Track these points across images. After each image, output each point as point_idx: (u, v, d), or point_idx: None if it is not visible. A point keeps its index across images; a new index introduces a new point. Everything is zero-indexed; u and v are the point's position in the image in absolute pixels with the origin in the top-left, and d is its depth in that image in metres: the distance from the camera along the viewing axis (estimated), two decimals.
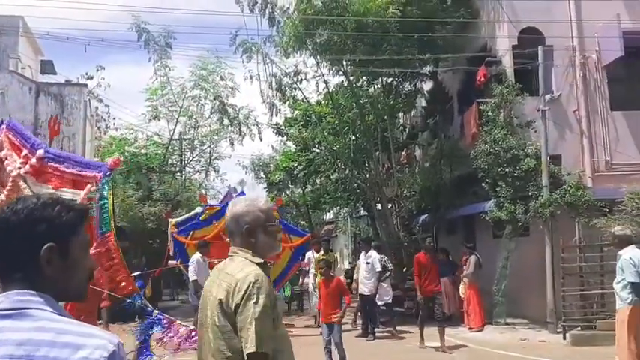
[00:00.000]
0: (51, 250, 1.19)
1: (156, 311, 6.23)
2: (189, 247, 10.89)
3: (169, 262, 11.33)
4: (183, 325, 5.89)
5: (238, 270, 2.00)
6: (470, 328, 10.46)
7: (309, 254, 12.22)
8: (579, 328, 9.04)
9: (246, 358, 1.86)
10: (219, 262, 10.01)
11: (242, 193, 11.66)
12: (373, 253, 10.38)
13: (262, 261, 2.08)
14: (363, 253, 10.78)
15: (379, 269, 10.19)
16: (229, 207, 2.22)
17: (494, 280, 10.98)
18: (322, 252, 11.77)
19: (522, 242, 11.03)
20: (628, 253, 6.49)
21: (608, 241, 8.01)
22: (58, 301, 1.22)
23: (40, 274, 1.18)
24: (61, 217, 1.22)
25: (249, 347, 1.85)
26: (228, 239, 10.33)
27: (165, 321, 5.70)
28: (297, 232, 12.06)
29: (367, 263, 10.25)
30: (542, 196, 10.27)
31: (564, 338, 8.95)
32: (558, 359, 7.65)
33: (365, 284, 10.20)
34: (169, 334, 5.65)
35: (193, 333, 5.65)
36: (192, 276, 9.48)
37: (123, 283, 5.28)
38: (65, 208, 1.24)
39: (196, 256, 9.58)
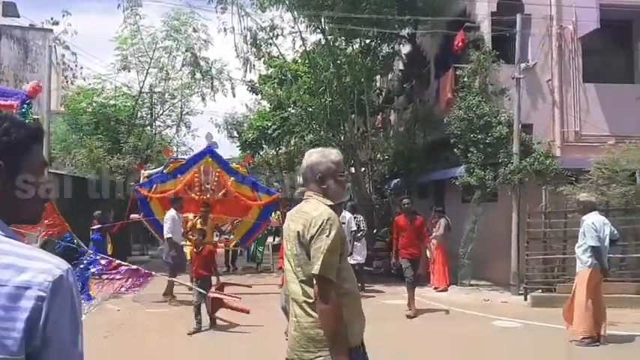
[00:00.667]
0: None
1: (90, 251, 6.10)
2: (152, 200, 10.69)
3: (131, 215, 11.02)
4: (124, 265, 5.81)
5: (314, 209, 2.36)
6: (435, 288, 10.76)
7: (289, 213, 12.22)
8: (540, 291, 9.41)
9: (314, 279, 2.26)
10: (188, 216, 9.84)
11: (209, 147, 11.30)
12: (346, 214, 10.00)
13: (332, 204, 2.43)
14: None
15: (354, 228, 9.87)
16: (305, 157, 2.54)
17: (461, 243, 11.26)
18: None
19: (490, 207, 11.28)
20: (591, 219, 6.71)
21: (573, 208, 8.28)
22: (10, 224, 1.14)
23: None
24: (9, 134, 1.15)
25: (316, 269, 2.23)
26: (193, 194, 10.02)
27: (103, 261, 5.60)
28: (266, 190, 11.90)
29: (342, 224, 10.11)
30: (512, 163, 10.47)
31: (525, 300, 9.31)
32: (518, 318, 7.95)
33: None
34: (109, 275, 5.56)
35: (137, 277, 5.59)
36: (167, 233, 9.20)
37: (48, 222, 5.19)
38: (15, 124, 1.17)
39: (171, 212, 9.35)
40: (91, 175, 14.08)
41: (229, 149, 25.07)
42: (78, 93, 16.60)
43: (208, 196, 10.77)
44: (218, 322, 7.27)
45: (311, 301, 2.29)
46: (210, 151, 11.08)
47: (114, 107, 15.73)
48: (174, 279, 8.75)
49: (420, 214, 12.27)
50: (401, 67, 16.40)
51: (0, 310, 0.99)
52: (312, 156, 2.50)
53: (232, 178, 10.83)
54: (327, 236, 2.25)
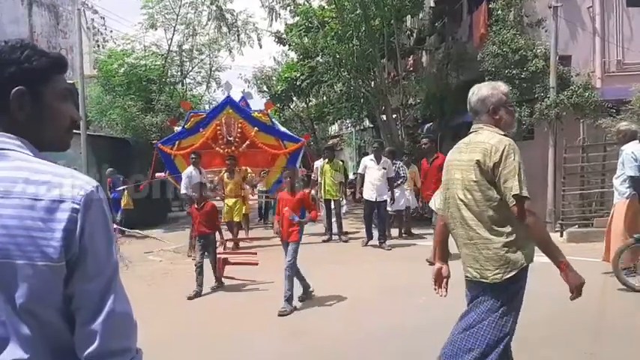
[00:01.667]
0: (20, 95, 1.16)
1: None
2: (176, 157, 10.45)
3: (157, 174, 10.85)
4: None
5: (490, 138, 2.53)
6: None
7: (317, 163, 11.50)
8: (577, 227, 9.20)
9: (512, 199, 2.41)
10: (214, 172, 9.70)
11: (229, 98, 10.83)
12: (387, 161, 9.61)
13: (504, 133, 2.58)
14: (372, 159, 9.51)
15: (392, 175, 9.55)
16: (475, 91, 2.70)
17: None
18: (327, 160, 10.77)
19: (526, 145, 10.91)
20: (630, 148, 6.42)
21: (612, 140, 7.92)
22: (39, 151, 1.20)
23: (12, 119, 1.16)
24: (30, 61, 1.18)
25: (515, 190, 2.40)
26: (217, 148, 10.08)
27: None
28: (291, 137, 11.15)
29: (384, 169, 9.34)
30: (549, 97, 10.05)
31: (561, 236, 9.14)
32: None
33: (378, 190, 9.28)
34: None
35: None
36: (183, 189, 9.22)
37: None
38: (37, 53, 1.20)
39: (189, 169, 9.29)
40: (128, 135, 14.43)
41: (260, 104, 25.11)
42: (109, 56, 16.79)
43: (233, 148, 10.34)
44: (226, 281, 6.76)
45: (496, 223, 2.49)
46: (230, 102, 10.60)
47: (144, 67, 15.85)
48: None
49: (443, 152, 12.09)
50: (432, 4, 15.72)
51: (39, 221, 1.06)
52: (482, 89, 2.68)
53: (255, 128, 10.40)
54: (514, 159, 2.44)
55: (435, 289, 2.99)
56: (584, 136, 9.54)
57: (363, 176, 9.51)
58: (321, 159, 11.31)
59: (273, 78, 23.34)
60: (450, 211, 2.70)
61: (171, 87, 16.97)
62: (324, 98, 19.67)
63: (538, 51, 10.45)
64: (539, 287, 5.33)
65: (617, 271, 5.95)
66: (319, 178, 10.69)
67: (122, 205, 11.61)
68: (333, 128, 31.38)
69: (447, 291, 2.97)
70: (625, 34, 10.90)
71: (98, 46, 23.55)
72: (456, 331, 2.72)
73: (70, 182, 1.11)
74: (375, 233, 9.35)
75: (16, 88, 1.15)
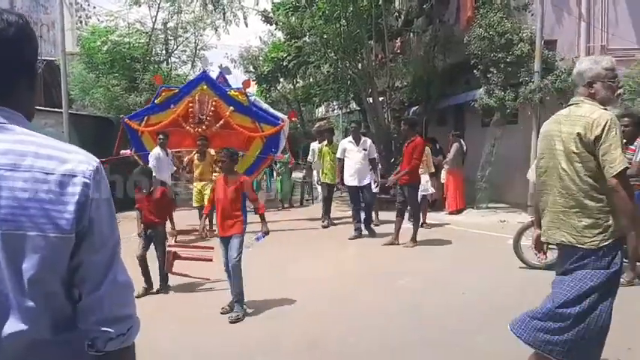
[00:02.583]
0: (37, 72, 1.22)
1: None
2: (143, 134, 9.71)
3: (122, 151, 9.93)
4: None
5: (591, 112, 2.62)
6: (450, 212, 10.81)
7: (313, 145, 11.11)
8: None
9: (611, 171, 2.53)
10: (181, 152, 9.02)
11: (204, 73, 10.16)
12: (367, 140, 9.07)
13: (604, 108, 2.66)
14: (351, 140, 8.98)
15: (374, 156, 9.11)
16: (577, 64, 2.81)
17: (480, 167, 11.16)
18: (326, 143, 10.33)
19: (510, 130, 11.05)
20: None
21: None
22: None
23: (18, 93, 1.18)
24: (34, 37, 1.20)
25: (616, 167, 2.53)
26: (187, 127, 9.21)
27: None
28: (268, 119, 10.03)
29: (364, 150, 8.80)
30: (533, 82, 10.11)
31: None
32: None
33: (361, 173, 8.79)
34: None
35: None
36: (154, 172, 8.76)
37: None
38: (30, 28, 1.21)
39: (156, 150, 8.70)
40: (111, 115, 14.20)
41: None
42: (92, 32, 16.41)
43: (205, 128, 9.55)
44: (177, 279, 5.93)
45: (596, 192, 2.62)
46: (205, 78, 9.91)
47: (128, 45, 15.52)
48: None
49: (437, 139, 12.15)
50: None
51: (51, 194, 1.10)
52: (583, 63, 2.79)
53: (231, 108, 9.57)
54: (615, 135, 2.54)
55: (536, 254, 3.32)
56: None
57: (343, 161, 8.89)
58: (316, 141, 11.14)
59: (260, 58, 23.05)
60: (547, 180, 2.82)
61: (156, 65, 16.67)
62: (311, 80, 19.50)
63: (524, 35, 10.48)
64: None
65: (516, 250, 6.22)
66: (317, 160, 10.33)
67: None
68: (320, 110, 31.22)
69: (546, 255, 3.37)
70: (610, 20, 10.97)
71: (81, 22, 23.03)
72: (556, 295, 2.77)
73: (75, 157, 1.15)
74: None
75: (40, 64, 1.21)
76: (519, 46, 10.35)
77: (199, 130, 9.50)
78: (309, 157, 11.09)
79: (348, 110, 24.45)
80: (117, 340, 1.18)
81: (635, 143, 5.45)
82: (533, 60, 10.19)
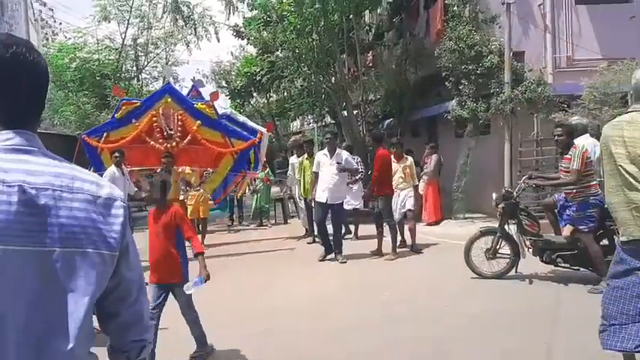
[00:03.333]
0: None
1: None
2: (102, 152, 9.01)
3: None
4: None
5: None
6: (428, 224, 10.88)
7: (292, 159, 10.71)
8: None
9: None
10: (145, 170, 8.64)
11: (168, 85, 9.78)
12: (343, 153, 8.39)
13: None
14: (325, 153, 8.26)
15: (355, 166, 8.75)
16: (634, 74, 2.94)
17: (455, 177, 11.28)
18: (306, 156, 9.69)
19: (483, 140, 11.23)
20: (582, 142, 6.67)
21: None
22: None
23: (36, 117, 1.25)
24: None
25: None
26: (152, 142, 8.47)
27: None
28: (239, 134, 9.46)
29: (338, 163, 8.03)
30: (504, 92, 10.32)
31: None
32: None
33: (334, 190, 8.02)
34: None
35: None
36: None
37: None
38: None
39: (111, 169, 7.95)
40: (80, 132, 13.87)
41: (219, 99, 24.69)
42: (60, 49, 16.11)
43: (174, 144, 8.95)
44: None
45: None
46: (169, 90, 9.30)
47: (97, 62, 15.31)
48: None
49: (412, 151, 12.21)
50: None
51: (100, 215, 1.19)
52: (638, 73, 2.95)
53: (198, 122, 8.95)
54: None
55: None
56: (538, 130, 9.84)
57: (317, 175, 8.22)
58: (294, 155, 10.77)
59: (232, 73, 22.99)
60: (613, 180, 2.96)
61: (127, 82, 16.46)
62: (285, 94, 19.53)
63: (493, 47, 10.72)
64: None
65: (467, 259, 6.34)
66: (297, 175, 9.88)
67: None
68: (295, 124, 31.26)
69: None
70: (574, 31, 11.30)
71: (47, 39, 22.60)
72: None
73: (105, 183, 1.26)
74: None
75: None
76: (489, 57, 10.58)
77: (167, 145, 8.96)
78: (289, 172, 10.73)
79: (323, 124, 24.53)
80: (148, 347, 1.33)
81: (571, 152, 5.65)
82: (503, 71, 10.41)
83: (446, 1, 11.46)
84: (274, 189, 13.25)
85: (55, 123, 15.80)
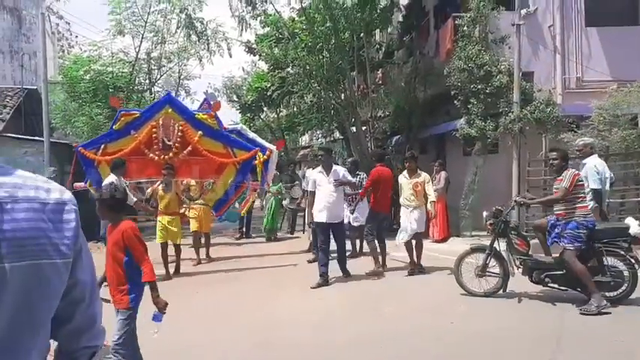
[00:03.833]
0: None
1: None
2: (100, 164, 8.75)
3: (75, 184, 8.99)
4: None
5: None
6: (436, 241, 10.83)
7: (308, 172, 9.87)
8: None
9: None
10: (146, 182, 8.21)
11: (169, 95, 9.75)
12: (339, 169, 7.83)
13: None
14: (321, 170, 7.70)
15: (353, 180, 8.28)
16: None
17: (462, 195, 11.27)
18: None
19: (491, 159, 11.23)
20: (592, 161, 6.69)
21: (574, 155, 8.20)
22: None
23: None
24: None
25: None
26: (151, 155, 8.09)
27: None
28: (242, 145, 9.17)
29: (335, 181, 7.49)
30: (513, 112, 10.35)
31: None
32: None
33: (332, 209, 7.47)
34: None
35: None
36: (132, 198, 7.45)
37: None
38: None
39: (110, 179, 7.42)
40: None
41: (230, 113, 24.96)
42: (75, 62, 16.39)
43: (172, 155, 8.68)
44: None
45: None
46: (169, 100, 9.11)
47: (111, 74, 15.52)
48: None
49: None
50: (400, 19, 16.03)
51: (50, 223, 1.13)
52: None
53: (199, 132, 8.73)
54: None
55: None
56: (546, 150, 9.83)
57: (314, 194, 7.66)
58: (309, 168, 10.52)
59: (244, 88, 23.25)
60: None
61: (139, 95, 16.67)
62: (295, 109, 19.68)
63: (502, 67, 10.78)
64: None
65: (457, 277, 6.36)
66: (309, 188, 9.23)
67: None
68: (304, 139, 31.44)
69: None
70: (584, 53, 11.37)
71: (63, 51, 23.03)
72: None
73: (55, 187, 1.19)
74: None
75: None
76: (498, 77, 10.64)
77: (166, 157, 8.66)
78: (303, 185, 10.50)
79: (332, 139, 24.67)
80: (99, 353, 1.29)
81: (564, 174, 5.68)
82: (512, 91, 10.46)
83: (456, 22, 11.57)
84: (285, 202, 13.12)
85: (68, 133, 16.01)
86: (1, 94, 16.33)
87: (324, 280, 7.26)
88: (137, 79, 16.80)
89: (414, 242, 7.99)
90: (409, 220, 7.80)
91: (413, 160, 7.99)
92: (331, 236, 7.51)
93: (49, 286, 1.11)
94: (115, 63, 16.04)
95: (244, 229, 12.84)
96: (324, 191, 7.48)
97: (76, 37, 23.42)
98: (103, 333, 1.33)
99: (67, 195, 1.19)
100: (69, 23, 23.84)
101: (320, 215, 7.47)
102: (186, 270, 8.63)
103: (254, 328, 5.37)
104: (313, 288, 7.10)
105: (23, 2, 20.95)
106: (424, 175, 7.92)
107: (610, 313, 5.28)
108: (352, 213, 8.61)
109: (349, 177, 7.90)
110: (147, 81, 17.50)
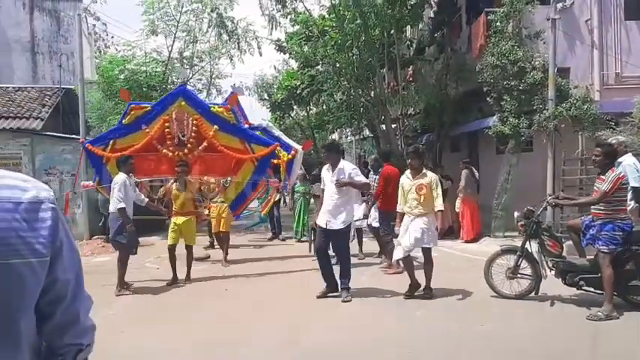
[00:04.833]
0: None
1: None
2: (109, 161, 8.17)
3: (83, 183, 8.64)
4: None
5: None
6: (465, 241, 10.67)
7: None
8: None
9: None
10: (153, 181, 8.23)
11: (183, 87, 9.53)
12: (347, 166, 6.51)
13: None
14: (328, 168, 6.55)
15: (363, 181, 6.61)
16: None
17: (495, 194, 11.05)
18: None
19: (525, 157, 10.98)
20: (629, 159, 6.47)
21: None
22: None
23: None
24: None
25: None
26: (165, 150, 7.75)
27: None
28: (260, 140, 8.54)
29: (337, 181, 6.29)
30: (547, 109, 10.08)
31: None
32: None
33: (332, 213, 6.31)
34: None
35: None
36: (118, 203, 6.74)
37: None
38: None
39: (121, 177, 6.97)
40: None
41: (260, 111, 25.13)
42: (110, 61, 16.80)
43: (187, 151, 8.15)
44: None
45: None
46: (183, 92, 8.54)
47: (145, 73, 15.85)
48: (124, 264, 6.92)
49: (448, 174, 11.86)
50: (431, 15, 15.81)
51: (23, 222, 1.12)
52: None
53: (215, 127, 8.11)
54: None
55: None
56: (582, 148, 9.55)
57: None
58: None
59: (274, 86, 23.38)
60: None
61: None
62: (324, 107, 19.68)
63: (536, 63, 10.51)
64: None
65: (487, 278, 6.18)
66: None
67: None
68: (334, 137, 31.44)
69: None
70: (623, 47, 10.98)
71: (100, 51, 23.63)
72: None
73: (34, 185, 1.18)
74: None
75: None
76: (532, 73, 10.37)
77: (180, 153, 8.11)
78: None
79: (362, 137, 24.56)
80: (85, 351, 1.29)
81: (607, 174, 5.38)
82: (547, 88, 10.19)
83: (489, 17, 11.33)
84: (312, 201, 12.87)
85: (103, 131, 16.43)
86: (41, 93, 16.87)
87: (330, 289, 6.42)
88: (170, 77, 17.11)
89: (418, 258, 6.87)
90: (408, 231, 6.25)
91: (416, 157, 6.41)
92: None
93: (24, 286, 1.10)
94: (148, 62, 16.36)
95: (276, 230, 12.40)
96: (327, 192, 6.47)
97: (112, 37, 23.97)
98: (91, 330, 1.31)
99: (45, 194, 1.18)
100: (105, 24, 24.41)
101: (320, 218, 6.45)
102: (215, 273, 8.24)
103: (279, 330, 5.38)
104: (319, 297, 6.34)
105: (62, 4, 21.58)
106: (430, 176, 6.33)
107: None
108: (366, 216, 8.28)
109: (358, 177, 6.48)
110: (179, 80, 17.79)
